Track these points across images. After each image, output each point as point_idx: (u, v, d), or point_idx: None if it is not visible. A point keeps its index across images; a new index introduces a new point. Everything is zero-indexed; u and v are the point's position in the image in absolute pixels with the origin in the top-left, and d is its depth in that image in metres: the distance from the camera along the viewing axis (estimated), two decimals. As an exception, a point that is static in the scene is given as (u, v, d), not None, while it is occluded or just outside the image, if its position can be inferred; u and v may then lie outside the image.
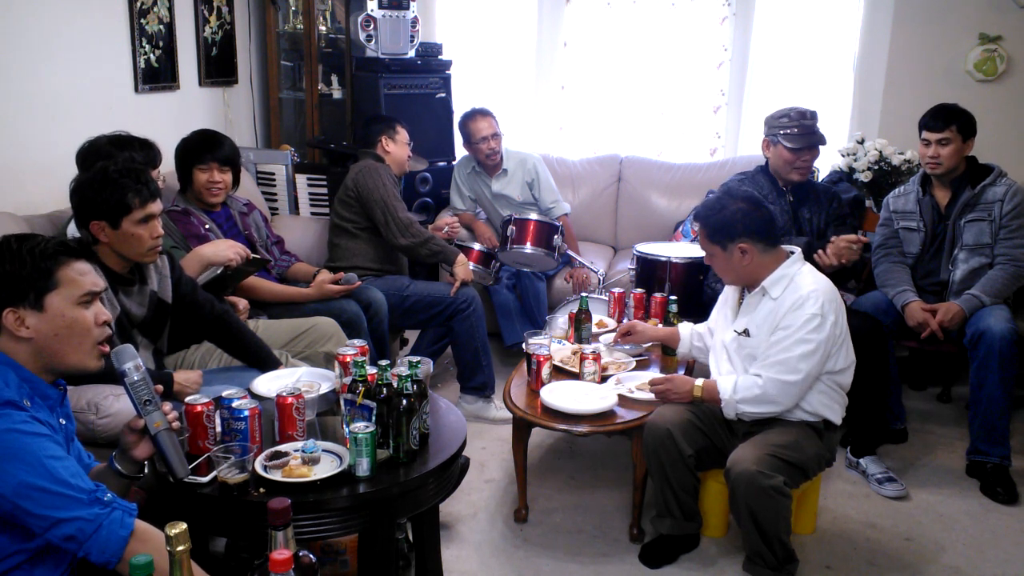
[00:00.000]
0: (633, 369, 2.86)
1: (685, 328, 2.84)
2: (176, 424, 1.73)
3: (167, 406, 1.72)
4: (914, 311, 3.08)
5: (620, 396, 2.62)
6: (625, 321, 3.23)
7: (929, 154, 3.12)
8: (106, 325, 1.67)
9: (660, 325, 3.03)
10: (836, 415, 2.47)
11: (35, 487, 1.45)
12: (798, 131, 3.14)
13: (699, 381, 2.51)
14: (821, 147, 3.21)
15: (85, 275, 1.64)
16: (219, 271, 2.75)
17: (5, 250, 1.59)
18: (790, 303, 2.36)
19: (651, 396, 2.59)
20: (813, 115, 3.19)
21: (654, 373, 2.78)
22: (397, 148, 3.64)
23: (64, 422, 1.67)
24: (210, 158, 2.97)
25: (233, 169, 3.07)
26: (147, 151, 2.65)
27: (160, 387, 1.74)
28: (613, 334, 2.96)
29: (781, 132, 3.15)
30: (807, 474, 2.39)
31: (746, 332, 2.46)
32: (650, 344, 3.01)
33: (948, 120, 3.07)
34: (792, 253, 2.46)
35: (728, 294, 2.63)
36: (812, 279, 2.40)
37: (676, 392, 2.52)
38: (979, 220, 3.11)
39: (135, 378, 1.66)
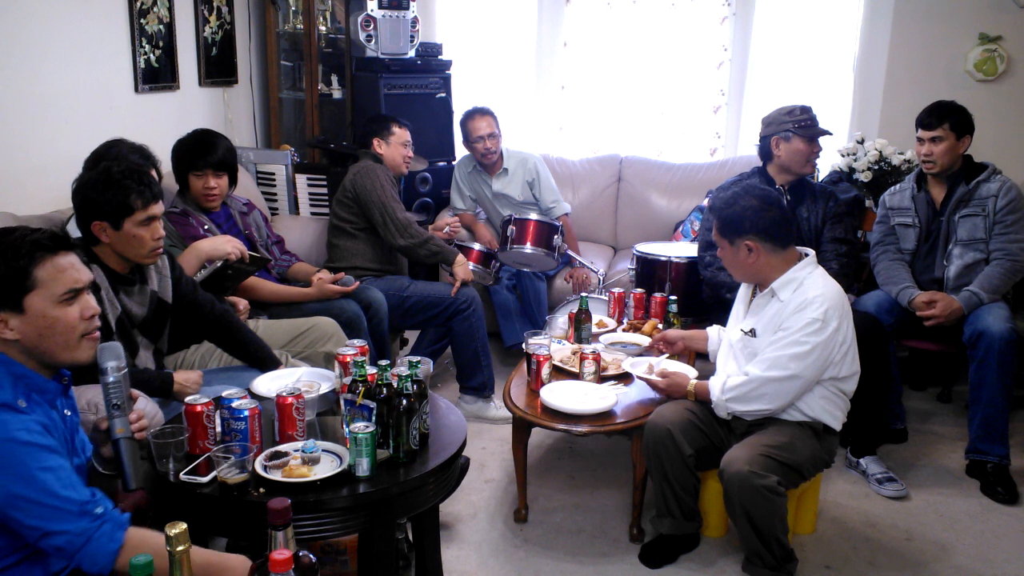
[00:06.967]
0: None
1: (713, 330, 2.81)
2: (141, 435, 1.73)
3: (135, 414, 1.72)
4: (921, 300, 3.10)
5: (651, 370, 2.64)
6: (626, 322, 3.23)
7: (923, 152, 3.14)
8: (95, 318, 1.63)
9: (660, 327, 3.03)
10: (836, 421, 2.46)
11: (25, 499, 1.44)
12: (810, 122, 3.16)
13: (692, 381, 2.52)
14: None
15: (65, 271, 1.58)
16: (218, 265, 2.75)
17: None
18: (795, 306, 2.35)
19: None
20: (812, 109, 3.22)
21: (674, 362, 2.78)
22: (390, 149, 3.61)
23: (69, 413, 1.66)
24: (204, 164, 2.94)
25: (229, 172, 3.05)
26: (146, 160, 2.63)
27: (135, 392, 1.73)
28: (659, 353, 2.87)
29: (794, 125, 3.15)
30: (803, 475, 2.38)
31: (752, 332, 2.46)
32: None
33: (941, 118, 3.09)
34: (805, 256, 2.46)
35: (743, 293, 2.63)
36: (821, 284, 2.38)
37: (675, 385, 2.54)
38: (973, 215, 3.12)
39: (110, 379, 1.66)
